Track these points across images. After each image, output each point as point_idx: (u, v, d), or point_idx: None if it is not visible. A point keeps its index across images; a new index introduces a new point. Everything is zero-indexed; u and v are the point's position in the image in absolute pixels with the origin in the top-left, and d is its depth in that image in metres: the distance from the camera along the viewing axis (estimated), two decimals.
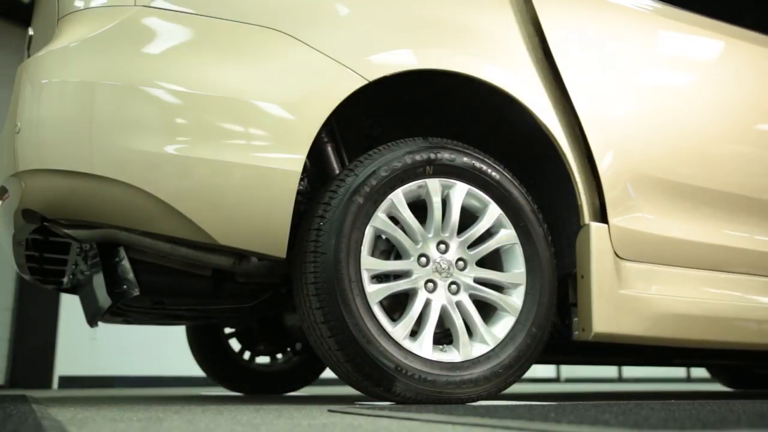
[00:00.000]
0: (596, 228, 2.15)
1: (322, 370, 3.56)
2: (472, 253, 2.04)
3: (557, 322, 2.27)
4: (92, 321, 2.33)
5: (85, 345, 5.71)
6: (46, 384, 5.53)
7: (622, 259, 2.19)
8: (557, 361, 3.48)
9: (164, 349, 5.85)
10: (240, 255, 2.05)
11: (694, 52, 2.60)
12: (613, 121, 2.27)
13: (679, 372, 9.50)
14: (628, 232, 2.21)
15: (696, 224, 2.37)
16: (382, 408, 1.74)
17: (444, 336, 2.02)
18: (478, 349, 1.99)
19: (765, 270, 2.48)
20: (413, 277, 1.95)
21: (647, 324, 2.16)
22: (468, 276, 2.02)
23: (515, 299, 2.05)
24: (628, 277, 2.18)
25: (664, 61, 2.49)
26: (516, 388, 5.10)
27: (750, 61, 2.69)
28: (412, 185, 1.99)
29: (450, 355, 1.96)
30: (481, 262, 2.06)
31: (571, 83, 2.22)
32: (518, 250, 2.08)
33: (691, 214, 2.37)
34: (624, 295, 2.14)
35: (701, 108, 2.50)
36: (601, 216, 2.20)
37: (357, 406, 1.92)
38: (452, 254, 2.01)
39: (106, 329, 5.38)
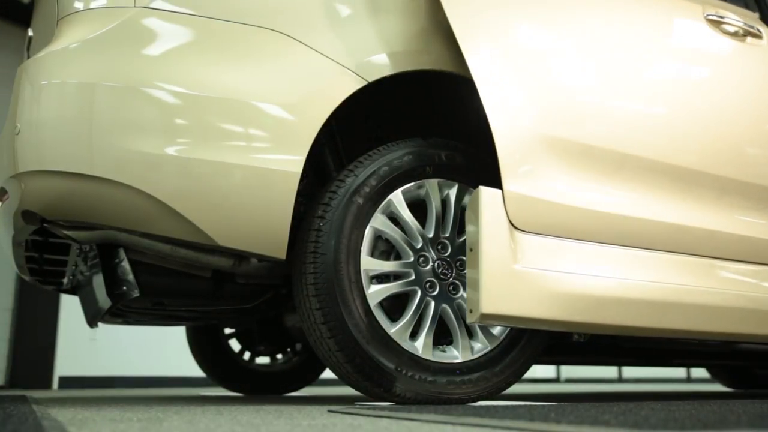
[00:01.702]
0: (487, 193, 1.87)
1: (322, 370, 3.56)
2: None
3: None
4: (92, 322, 2.33)
5: (85, 345, 5.71)
6: (46, 384, 5.53)
7: (520, 230, 1.90)
8: (557, 362, 3.48)
9: (164, 349, 5.85)
10: (240, 256, 2.05)
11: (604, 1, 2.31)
12: (507, 74, 1.99)
13: (679, 372, 9.50)
14: (528, 199, 1.93)
15: (614, 194, 2.10)
16: (382, 408, 1.74)
17: (444, 336, 2.02)
18: (477, 350, 1.99)
19: (695, 248, 2.20)
20: (413, 277, 1.95)
21: (548, 305, 1.87)
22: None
23: None
24: (527, 252, 1.90)
25: (575, 10, 2.21)
26: (516, 388, 5.10)
27: (675, 12, 2.45)
28: (411, 186, 2.00)
29: (450, 356, 1.96)
30: None
31: (461, 34, 1.95)
32: None
33: (609, 183, 2.10)
34: (520, 272, 1.85)
35: (621, 63, 2.23)
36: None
37: (357, 406, 1.92)
38: (452, 255, 2.01)
39: (106, 330, 5.38)
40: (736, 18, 2.56)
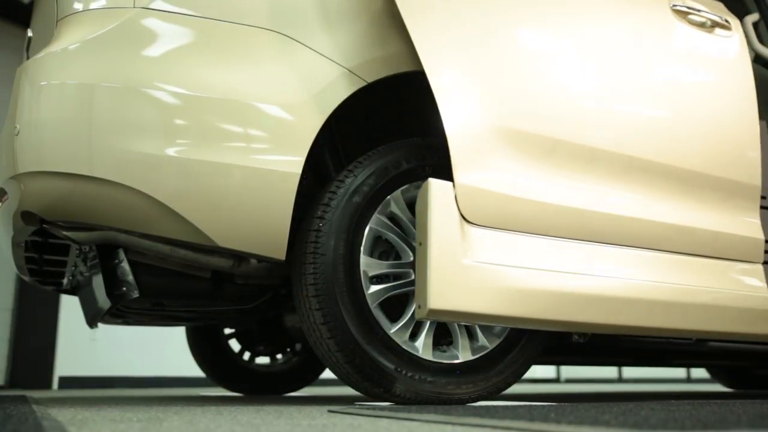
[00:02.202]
0: (437, 185, 1.82)
1: (321, 370, 3.57)
2: None
3: None
4: (92, 322, 2.33)
5: (85, 345, 5.71)
6: (46, 384, 5.53)
7: (472, 224, 1.85)
8: (557, 362, 3.48)
9: (164, 349, 5.85)
10: (239, 257, 2.05)
11: None
12: (459, 66, 1.95)
13: (679, 372, 9.50)
14: (481, 192, 1.88)
15: (571, 188, 2.04)
16: (382, 408, 1.74)
17: (443, 336, 2.02)
18: (477, 350, 1.99)
19: (653, 243, 2.13)
20: (412, 277, 1.95)
21: (499, 301, 1.82)
22: None
23: None
24: (478, 246, 1.84)
25: (530, 1, 2.15)
26: (516, 388, 5.10)
27: (639, 1, 2.38)
28: (410, 186, 2.00)
29: (450, 356, 1.96)
30: None
31: (413, 28, 1.92)
32: None
33: (565, 175, 2.04)
34: (470, 267, 1.80)
35: (577, 54, 2.17)
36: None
37: (357, 406, 1.92)
38: None
39: (106, 330, 5.38)
40: (704, 9, 2.49)
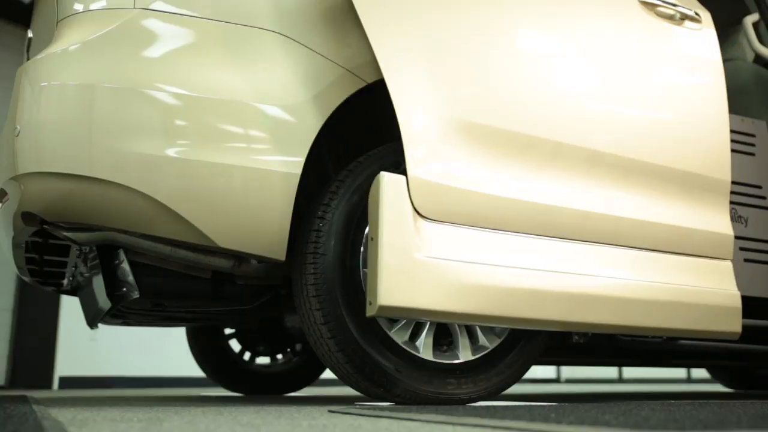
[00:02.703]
0: (389, 180, 1.77)
1: (322, 370, 3.57)
2: None
3: None
4: (92, 322, 2.33)
5: (85, 346, 5.71)
6: (47, 384, 5.53)
7: (425, 218, 1.81)
8: (557, 362, 3.48)
9: (164, 349, 5.85)
10: (239, 257, 2.05)
11: None
12: (413, 57, 1.90)
13: (680, 372, 9.50)
14: (435, 186, 1.83)
15: (528, 182, 1.98)
16: (382, 408, 1.74)
17: (444, 336, 2.02)
18: (478, 350, 1.99)
19: (615, 239, 2.09)
20: None
21: (453, 297, 1.78)
22: None
23: None
24: (432, 241, 1.79)
25: None
26: (516, 388, 5.10)
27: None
28: None
29: (450, 356, 1.96)
30: None
31: (368, 22, 1.88)
32: None
33: (523, 169, 1.99)
34: (423, 262, 1.75)
35: (535, 46, 2.11)
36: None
37: (357, 406, 1.92)
38: None
39: (106, 330, 5.39)
40: (673, 1, 2.43)
